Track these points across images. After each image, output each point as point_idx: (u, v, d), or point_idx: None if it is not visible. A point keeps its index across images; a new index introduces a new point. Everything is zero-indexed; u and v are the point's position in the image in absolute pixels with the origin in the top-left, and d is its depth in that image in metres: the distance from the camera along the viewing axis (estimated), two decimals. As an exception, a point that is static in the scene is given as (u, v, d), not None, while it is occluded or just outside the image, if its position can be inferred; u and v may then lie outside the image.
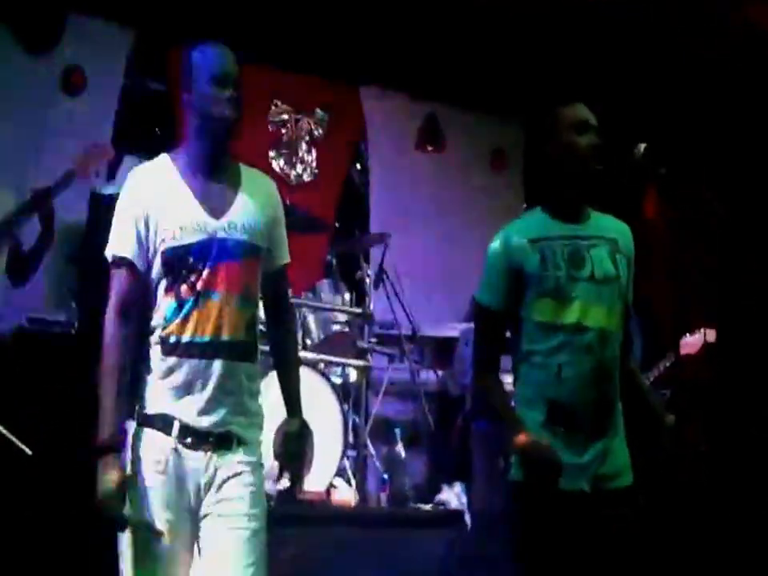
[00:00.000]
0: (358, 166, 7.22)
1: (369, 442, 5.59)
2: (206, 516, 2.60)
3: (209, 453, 2.60)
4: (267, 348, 2.95)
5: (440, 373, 6.29)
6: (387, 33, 6.36)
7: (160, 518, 2.56)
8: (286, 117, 6.78)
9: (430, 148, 7.28)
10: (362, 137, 7.11)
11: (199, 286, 2.62)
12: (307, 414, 2.82)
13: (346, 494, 5.13)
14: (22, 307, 5.08)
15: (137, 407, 2.63)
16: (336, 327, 5.70)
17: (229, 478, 2.61)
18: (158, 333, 2.63)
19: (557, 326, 2.73)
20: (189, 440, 2.59)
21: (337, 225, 6.94)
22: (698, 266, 5.88)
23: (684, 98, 6.40)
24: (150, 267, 2.64)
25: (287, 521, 4.28)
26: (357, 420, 5.64)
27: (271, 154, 6.71)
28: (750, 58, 6.07)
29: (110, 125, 5.91)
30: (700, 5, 5.79)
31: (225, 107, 2.66)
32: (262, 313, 2.84)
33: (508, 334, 2.85)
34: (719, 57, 6.12)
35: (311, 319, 5.58)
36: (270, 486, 3.24)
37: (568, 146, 2.80)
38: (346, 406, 5.40)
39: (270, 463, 2.80)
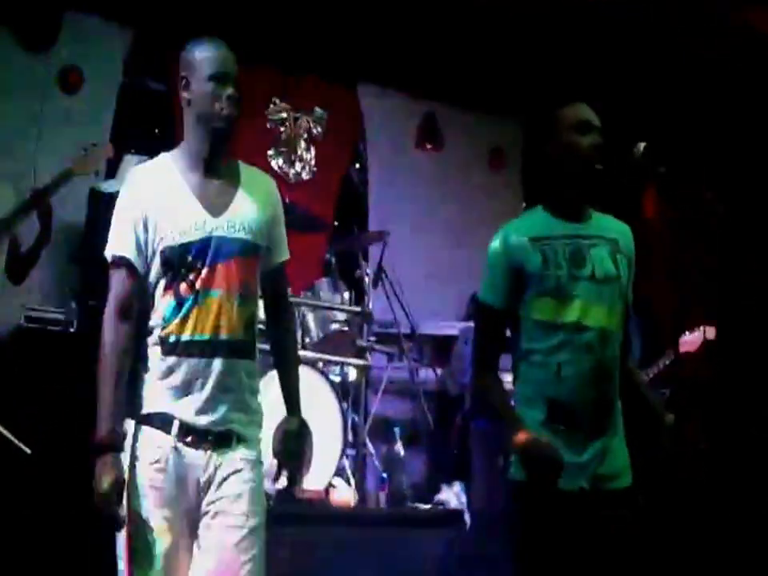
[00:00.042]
0: (357, 165, 7.21)
1: (368, 441, 5.59)
2: (205, 513, 2.60)
3: (209, 451, 2.60)
4: (267, 347, 2.95)
5: (439, 371, 6.29)
6: (386, 32, 6.36)
7: (159, 516, 2.56)
8: (284, 115, 6.77)
9: (428, 146, 7.28)
10: (361, 136, 7.11)
11: (198, 284, 2.61)
12: (306, 412, 2.83)
13: (345, 494, 5.12)
14: (20, 306, 5.08)
15: (136, 406, 2.63)
16: (335, 326, 5.69)
17: (229, 475, 2.62)
18: (156, 333, 2.62)
19: (557, 325, 2.72)
20: (189, 438, 2.59)
21: (336, 223, 6.94)
22: (698, 266, 5.87)
23: (684, 98, 6.41)
24: (149, 267, 2.64)
25: (286, 520, 4.28)
26: (356, 419, 5.65)
27: (270, 152, 6.71)
28: (749, 58, 6.08)
29: (108, 123, 5.91)
30: (700, 5, 5.79)
31: (223, 105, 2.65)
32: (261, 312, 2.84)
33: (508, 333, 2.85)
34: (719, 57, 6.12)
35: (310, 318, 5.58)
36: (268, 486, 3.23)
37: (569, 146, 2.79)
38: (345, 405, 5.40)
39: (269, 462, 2.80)
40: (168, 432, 2.59)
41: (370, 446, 5.60)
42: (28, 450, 4.18)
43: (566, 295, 2.73)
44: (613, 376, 2.78)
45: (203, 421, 2.60)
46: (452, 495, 5.32)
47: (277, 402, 2.84)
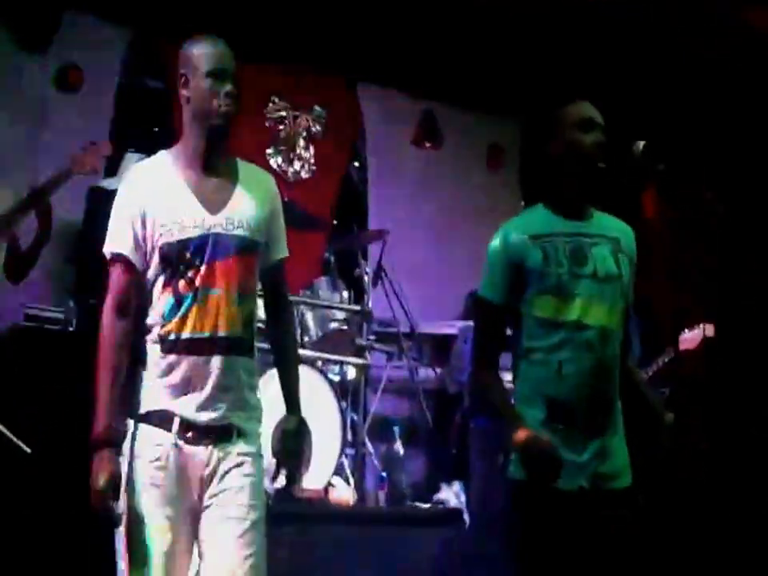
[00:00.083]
0: (356, 164, 7.21)
1: (367, 439, 5.59)
2: (207, 507, 2.60)
3: (209, 447, 2.60)
4: (266, 345, 2.95)
5: (438, 370, 6.29)
6: (385, 31, 6.35)
7: (161, 515, 2.55)
8: (283, 113, 6.76)
9: (427, 145, 7.28)
10: (360, 134, 7.10)
11: (197, 281, 2.61)
12: (305, 411, 2.82)
13: (344, 493, 5.12)
14: (19, 304, 5.08)
15: (134, 405, 2.63)
16: (334, 325, 5.68)
17: (231, 469, 2.62)
18: (155, 331, 2.62)
19: (558, 323, 2.71)
20: (189, 435, 2.59)
21: (335, 222, 6.93)
22: (698, 266, 5.88)
23: (683, 98, 6.40)
24: (147, 264, 2.64)
25: (285, 519, 4.28)
26: (355, 418, 5.64)
27: (269, 150, 6.70)
28: (749, 58, 6.07)
29: (107, 122, 5.90)
30: (700, 5, 5.78)
31: (221, 101, 2.65)
32: (261, 311, 2.83)
33: (508, 332, 2.84)
34: (719, 57, 6.12)
35: (309, 317, 5.57)
36: (267, 484, 3.23)
37: (571, 144, 2.78)
38: (344, 404, 5.39)
39: (268, 460, 2.79)
40: (168, 429, 2.58)
41: (369, 444, 5.60)
42: (28, 449, 4.18)
43: (567, 293, 2.72)
44: (613, 375, 2.77)
45: (204, 418, 2.60)
46: (451, 494, 5.32)
47: (276, 400, 2.84)
